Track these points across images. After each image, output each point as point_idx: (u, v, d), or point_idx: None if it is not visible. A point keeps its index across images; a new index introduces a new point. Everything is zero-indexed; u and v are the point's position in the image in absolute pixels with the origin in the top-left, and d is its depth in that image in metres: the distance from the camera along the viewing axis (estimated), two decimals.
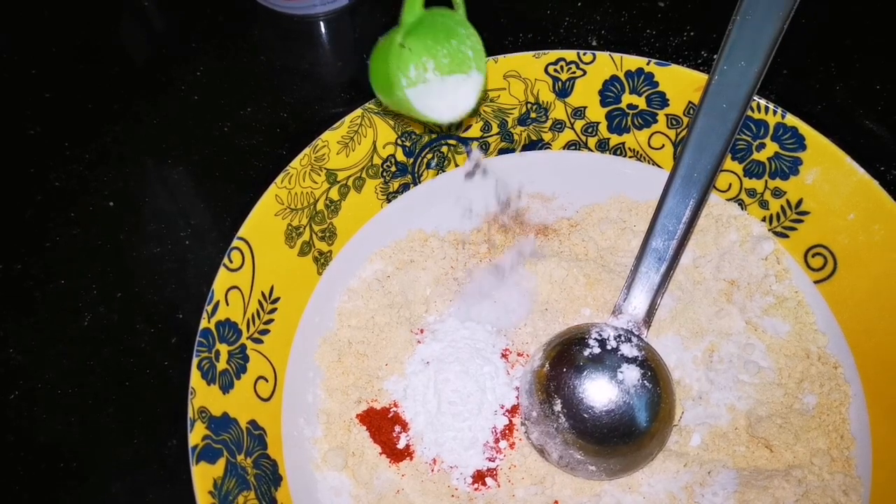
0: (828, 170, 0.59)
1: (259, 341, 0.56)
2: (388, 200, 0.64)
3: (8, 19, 0.76)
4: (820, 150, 0.60)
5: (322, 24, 0.78)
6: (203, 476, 0.48)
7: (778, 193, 0.62)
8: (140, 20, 0.77)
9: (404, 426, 0.59)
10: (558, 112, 0.64)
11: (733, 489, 0.55)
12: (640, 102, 0.63)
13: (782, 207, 0.62)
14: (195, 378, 0.50)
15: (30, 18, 0.76)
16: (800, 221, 0.62)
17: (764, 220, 0.63)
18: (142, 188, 0.70)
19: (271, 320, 0.57)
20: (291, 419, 0.57)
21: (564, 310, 0.63)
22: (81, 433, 0.61)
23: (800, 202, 0.61)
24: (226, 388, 0.52)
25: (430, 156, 0.64)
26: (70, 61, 0.75)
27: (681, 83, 0.62)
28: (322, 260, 0.61)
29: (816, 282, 0.61)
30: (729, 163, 0.63)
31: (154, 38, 0.78)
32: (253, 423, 0.53)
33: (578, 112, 0.64)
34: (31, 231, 0.68)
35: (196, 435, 0.49)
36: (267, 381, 0.56)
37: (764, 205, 0.63)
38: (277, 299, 0.57)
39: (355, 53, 0.78)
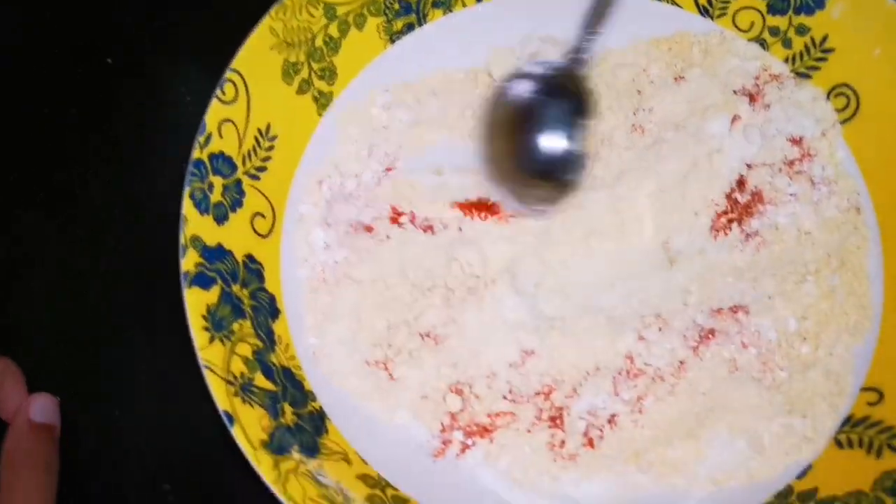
0: (856, 1, 0.56)
1: (256, 178, 0.54)
2: (392, 41, 0.61)
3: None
4: None
5: None
6: (196, 300, 0.47)
7: (802, 30, 0.58)
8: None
9: None
10: None
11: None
12: None
13: (806, 45, 0.59)
14: (187, 206, 0.49)
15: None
16: (823, 60, 0.58)
17: (786, 60, 0.60)
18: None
19: (269, 157, 0.55)
20: (291, 259, 0.56)
21: None
22: None
23: (824, 39, 0.58)
24: (220, 219, 0.51)
25: None
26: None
27: None
28: (322, 100, 0.59)
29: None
30: None
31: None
32: (250, 257, 0.53)
33: None
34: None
35: (188, 261, 0.48)
36: (265, 217, 0.55)
37: (787, 44, 0.59)
38: (275, 137, 0.56)
39: None
